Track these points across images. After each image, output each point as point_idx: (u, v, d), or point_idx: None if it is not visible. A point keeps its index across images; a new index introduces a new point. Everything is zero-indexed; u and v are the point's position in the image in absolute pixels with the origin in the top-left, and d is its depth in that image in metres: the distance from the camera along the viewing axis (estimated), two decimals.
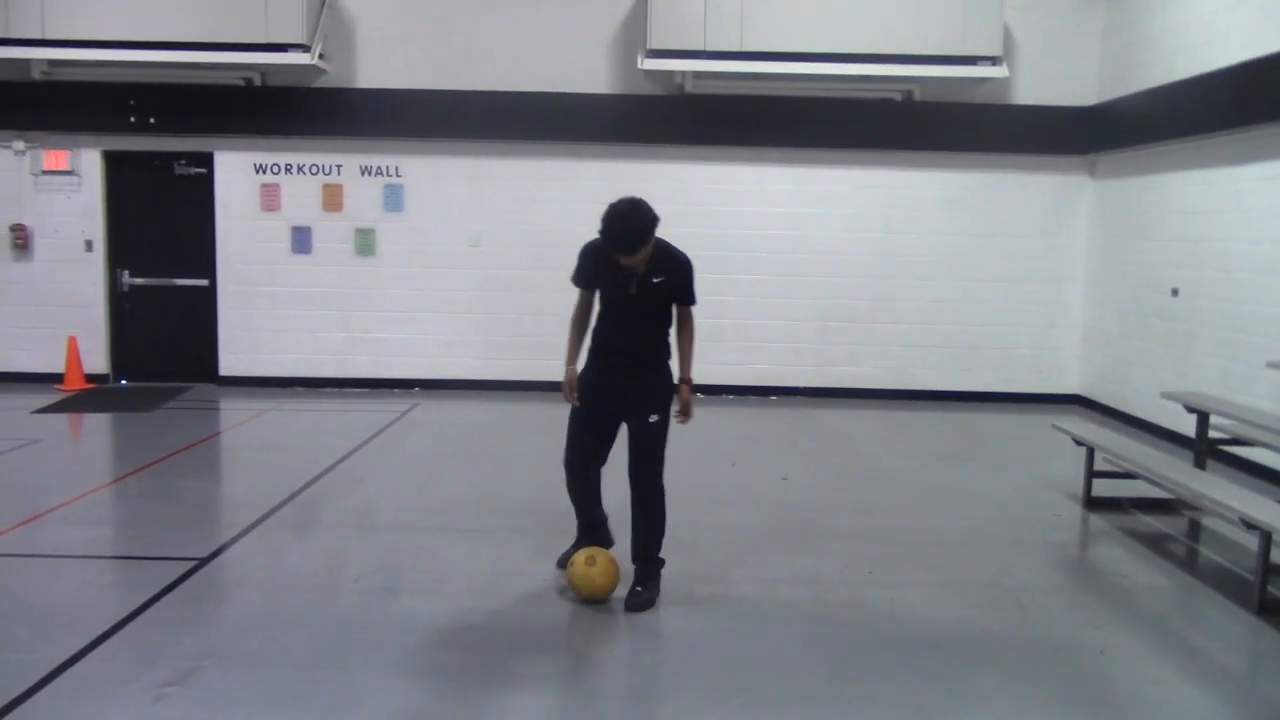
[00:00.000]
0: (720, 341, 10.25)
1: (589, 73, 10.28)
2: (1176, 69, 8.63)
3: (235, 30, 9.52)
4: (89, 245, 10.41)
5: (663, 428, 4.74)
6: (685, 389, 4.80)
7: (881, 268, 10.48)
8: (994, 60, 9.64)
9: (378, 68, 10.28)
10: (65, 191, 10.36)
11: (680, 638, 4.45)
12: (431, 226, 10.44)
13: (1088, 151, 10.23)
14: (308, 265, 10.46)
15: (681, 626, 4.55)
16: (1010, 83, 10.18)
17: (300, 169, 10.40)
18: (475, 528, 5.94)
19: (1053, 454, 7.96)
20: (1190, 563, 5.78)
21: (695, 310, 4.82)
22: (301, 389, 10.44)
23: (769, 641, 4.41)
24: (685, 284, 4.71)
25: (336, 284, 10.47)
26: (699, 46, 9.53)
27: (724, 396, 10.39)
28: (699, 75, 9.92)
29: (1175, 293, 8.71)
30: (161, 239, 10.56)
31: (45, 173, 10.31)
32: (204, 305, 10.53)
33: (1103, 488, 6.66)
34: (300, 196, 10.41)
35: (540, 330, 10.33)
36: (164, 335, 10.61)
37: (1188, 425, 7.17)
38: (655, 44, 9.56)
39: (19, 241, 10.29)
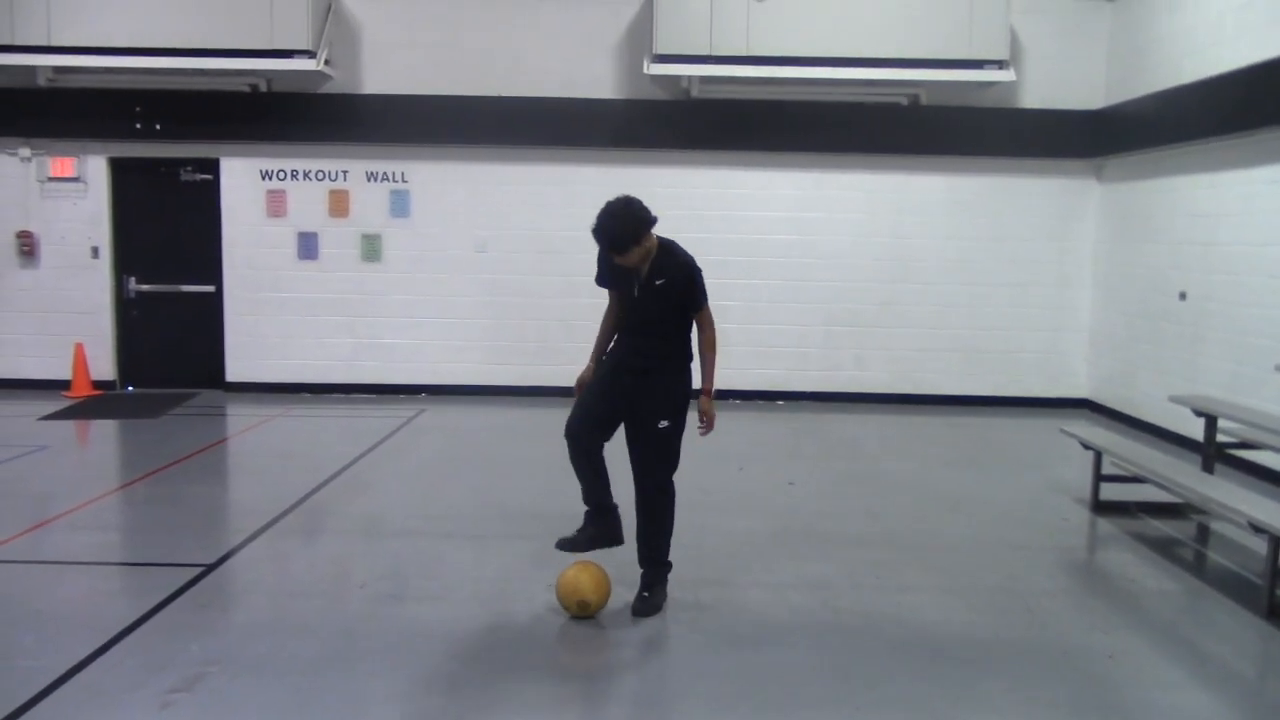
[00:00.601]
0: (726, 346, 10.02)
1: (594, 78, 10.28)
2: (1184, 72, 8.60)
3: (240, 37, 9.54)
4: (95, 252, 10.43)
5: (673, 434, 4.65)
6: (705, 399, 4.71)
7: (888, 272, 10.46)
8: (1000, 64, 9.61)
9: (383, 73, 10.29)
10: (71, 198, 10.39)
11: (687, 643, 4.44)
12: (437, 232, 10.45)
13: (1095, 155, 10.19)
14: (314, 271, 10.47)
15: (688, 632, 4.54)
16: (1017, 86, 10.16)
17: (306, 175, 10.41)
18: (482, 534, 5.93)
19: (1060, 458, 7.93)
20: (1199, 567, 5.77)
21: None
22: (308, 395, 10.45)
23: (776, 647, 4.39)
24: (690, 288, 4.59)
25: (343, 290, 10.47)
26: (705, 51, 9.53)
27: (731, 401, 10.37)
28: (705, 80, 9.92)
29: (1183, 296, 8.67)
30: (168, 245, 10.57)
31: (51, 179, 10.34)
32: (210, 311, 10.54)
33: (1111, 492, 6.62)
34: (306, 202, 10.42)
35: (545, 335, 10.34)
36: (170, 341, 10.61)
37: (1196, 429, 7.14)
38: (661, 49, 9.55)
39: (25, 248, 10.31)
